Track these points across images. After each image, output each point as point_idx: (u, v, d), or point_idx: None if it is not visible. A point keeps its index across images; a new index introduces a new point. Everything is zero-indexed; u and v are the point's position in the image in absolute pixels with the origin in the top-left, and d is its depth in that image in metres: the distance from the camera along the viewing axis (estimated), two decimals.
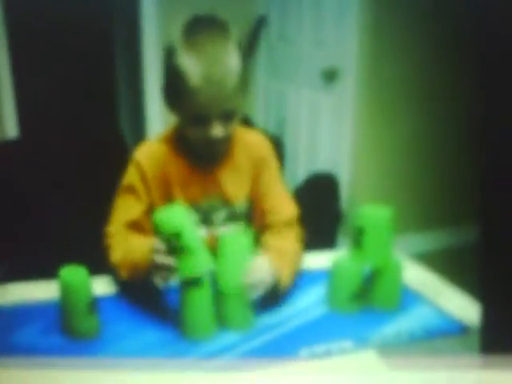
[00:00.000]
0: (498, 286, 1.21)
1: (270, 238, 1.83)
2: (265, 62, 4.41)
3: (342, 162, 3.93)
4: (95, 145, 3.38)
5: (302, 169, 4.10)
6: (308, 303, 1.72)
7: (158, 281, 1.58)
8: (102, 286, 1.71)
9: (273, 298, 1.68)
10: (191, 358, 1.47)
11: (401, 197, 3.89)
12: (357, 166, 3.96)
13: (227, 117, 1.72)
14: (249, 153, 1.89)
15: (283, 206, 1.92)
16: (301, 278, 1.80)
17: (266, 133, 2.11)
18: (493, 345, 1.23)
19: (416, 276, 1.85)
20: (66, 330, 1.55)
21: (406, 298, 1.72)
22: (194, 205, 1.81)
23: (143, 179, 1.80)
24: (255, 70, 4.39)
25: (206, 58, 1.66)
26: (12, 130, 4.02)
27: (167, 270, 1.54)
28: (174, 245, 1.51)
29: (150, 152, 1.86)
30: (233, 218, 1.86)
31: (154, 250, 1.55)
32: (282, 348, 1.51)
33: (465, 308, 1.67)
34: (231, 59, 1.69)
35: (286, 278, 1.72)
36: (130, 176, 1.83)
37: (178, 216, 1.53)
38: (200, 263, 1.53)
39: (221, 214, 1.84)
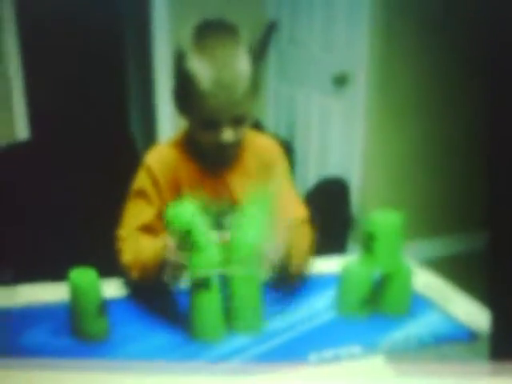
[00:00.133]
0: (507, 293, 1.21)
1: None
2: (275, 65, 4.41)
3: (352, 167, 3.92)
4: (106, 148, 3.38)
5: (312, 173, 4.10)
6: (317, 308, 1.72)
7: (169, 279, 1.58)
8: (111, 289, 1.71)
9: (286, 280, 1.69)
10: (200, 361, 1.47)
11: (410, 202, 3.88)
12: (367, 171, 3.96)
13: (238, 121, 1.72)
14: (259, 157, 1.90)
15: (294, 208, 1.92)
16: (310, 283, 1.80)
17: (276, 137, 2.11)
18: (502, 352, 1.23)
19: (425, 282, 1.84)
20: (76, 332, 1.55)
21: (415, 304, 1.71)
22: (204, 208, 1.81)
23: (154, 183, 1.80)
24: (265, 74, 4.39)
25: (216, 61, 1.66)
26: (23, 132, 4.04)
27: (178, 267, 1.54)
28: (185, 241, 1.51)
29: (161, 156, 1.86)
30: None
31: (166, 247, 1.56)
32: (290, 352, 1.50)
33: (474, 314, 1.66)
34: (241, 63, 1.69)
35: (298, 259, 1.73)
36: (141, 180, 1.83)
37: (188, 213, 1.52)
38: (210, 261, 1.53)
39: (231, 218, 1.84)
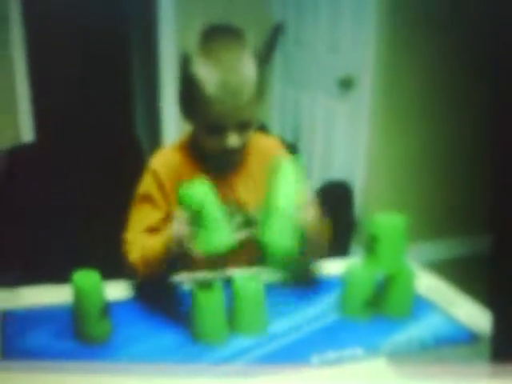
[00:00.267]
0: (508, 295, 1.21)
1: None
2: (281, 68, 4.41)
3: (356, 170, 3.92)
4: (111, 150, 3.39)
5: (316, 176, 4.10)
6: (320, 310, 1.72)
7: (175, 260, 1.58)
8: (114, 291, 1.72)
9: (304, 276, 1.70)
10: (203, 363, 1.47)
11: (414, 205, 3.88)
12: (371, 174, 3.96)
13: (243, 126, 1.72)
14: (264, 160, 1.89)
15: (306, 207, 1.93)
16: (314, 285, 1.80)
17: (281, 140, 2.11)
18: (503, 354, 1.23)
19: (428, 284, 1.84)
20: (78, 335, 1.55)
21: (418, 306, 1.72)
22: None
23: (160, 187, 1.80)
24: (271, 77, 4.39)
25: (222, 66, 1.66)
26: (28, 134, 4.04)
27: (186, 242, 1.54)
28: (197, 219, 1.52)
29: (166, 160, 1.86)
30: (247, 224, 1.86)
31: (175, 218, 1.56)
32: (293, 354, 1.51)
33: (475, 317, 1.66)
34: (247, 68, 1.69)
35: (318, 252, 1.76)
36: (147, 184, 1.83)
37: (201, 191, 1.53)
38: (221, 238, 1.54)
39: (236, 221, 1.84)
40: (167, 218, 1.78)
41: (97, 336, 1.55)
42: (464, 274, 2.75)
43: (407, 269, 1.69)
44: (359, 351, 1.52)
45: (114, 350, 1.52)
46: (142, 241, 1.74)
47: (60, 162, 3.14)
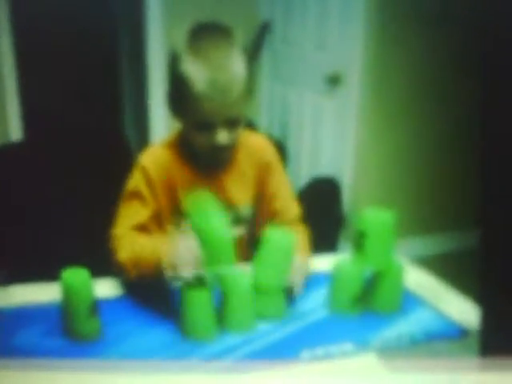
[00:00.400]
0: (497, 290, 1.21)
1: None
2: (268, 65, 4.41)
3: (344, 166, 3.93)
4: (99, 148, 3.38)
5: (304, 172, 4.11)
6: (309, 306, 1.72)
7: (170, 276, 1.58)
8: (103, 289, 1.71)
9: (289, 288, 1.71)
10: (193, 359, 1.48)
11: (402, 201, 3.89)
12: (359, 170, 3.97)
13: (232, 123, 1.73)
14: (253, 157, 1.90)
15: (292, 206, 1.94)
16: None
17: (269, 137, 2.11)
18: (492, 348, 1.24)
19: (416, 280, 1.85)
20: (68, 332, 1.55)
21: (407, 302, 1.72)
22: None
23: (149, 184, 1.80)
24: (259, 74, 4.39)
25: (211, 63, 1.66)
26: (16, 133, 4.03)
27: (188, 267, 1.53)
28: (209, 248, 1.52)
29: (155, 157, 1.86)
30: (237, 221, 1.87)
31: (181, 240, 1.56)
32: (283, 350, 1.51)
33: (464, 311, 1.67)
34: (236, 65, 1.69)
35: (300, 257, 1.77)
36: (136, 181, 1.82)
37: (221, 227, 1.54)
38: (227, 260, 1.54)
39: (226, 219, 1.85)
40: (156, 216, 1.78)
41: (86, 334, 1.55)
42: (453, 269, 2.76)
43: (396, 264, 1.69)
44: (349, 347, 1.53)
45: (105, 348, 1.52)
46: (131, 240, 1.73)
47: (48, 161, 3.13)
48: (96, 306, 1.56)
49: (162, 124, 4.23)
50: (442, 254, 4.18)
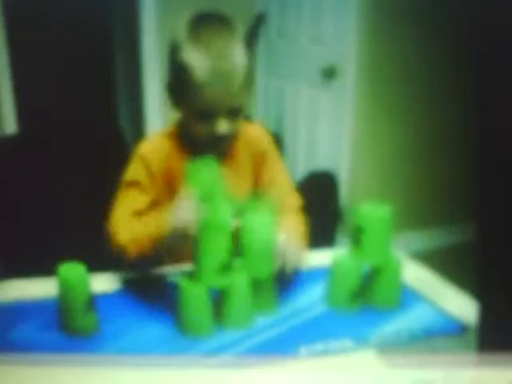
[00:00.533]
0: (495, 285, 1.21)
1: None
2: (264, 58, 4.40)
3: (340, 160, 3.93)
4: (94, 141, 3.37)
5: (300, 166, 4.10)
6: (307, 301, 1.72)
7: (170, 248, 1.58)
8: (100, 284, 1.71)
9: (283, 274, 1.70)
10: (190, 355, 1.47)
11: (399, 195, 3.89)
12: (355, 164, 3.96)
13: (233, 113, 1.73)
14: (250, 148, 1.90)
15: (290, 195, 1.94)
16: (300, 276, 1.80)
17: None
18: (490, 343, 1.24)
19: (414, 275, 1.84)
20: (65, 327, 1.55)
21: (405, 297, 1.72)
22: None
23: (148, 172, 1.79)
24: (255, 67, 4.39)
25: (212, 51, 1.66)
26: (11, 127, 4.02)
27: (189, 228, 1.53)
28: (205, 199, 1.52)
29: (154, 147, 1.85)
30: (237, 213, 1.86)
31: (184, 199, 1.55)
32: (281, 346, 1.50)
33: (462, 307, 1.66)
34: (237, 54, 1.70)
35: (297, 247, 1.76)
36: (134, 170, 1.81)
37: (213, 171, 1.55)
38: (225, 214, 1.55)
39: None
40: (155, 204, 1.77)
41: (83, 329, 1.54)
42: (450, 264, 2.76)
43: (393, 259, 1.68)
44: (348, 342, 1.52)
45: (102, 343, 1.52)
46: (130, 223, 1.71)
47: (42, 154, 3.12)
48: (93, 301, 1.55)
49: (157, 116, 4.22)
50: (439, 248, 4.18)
